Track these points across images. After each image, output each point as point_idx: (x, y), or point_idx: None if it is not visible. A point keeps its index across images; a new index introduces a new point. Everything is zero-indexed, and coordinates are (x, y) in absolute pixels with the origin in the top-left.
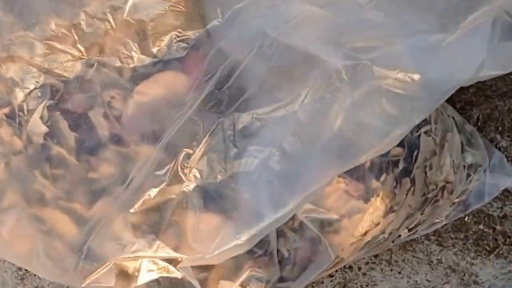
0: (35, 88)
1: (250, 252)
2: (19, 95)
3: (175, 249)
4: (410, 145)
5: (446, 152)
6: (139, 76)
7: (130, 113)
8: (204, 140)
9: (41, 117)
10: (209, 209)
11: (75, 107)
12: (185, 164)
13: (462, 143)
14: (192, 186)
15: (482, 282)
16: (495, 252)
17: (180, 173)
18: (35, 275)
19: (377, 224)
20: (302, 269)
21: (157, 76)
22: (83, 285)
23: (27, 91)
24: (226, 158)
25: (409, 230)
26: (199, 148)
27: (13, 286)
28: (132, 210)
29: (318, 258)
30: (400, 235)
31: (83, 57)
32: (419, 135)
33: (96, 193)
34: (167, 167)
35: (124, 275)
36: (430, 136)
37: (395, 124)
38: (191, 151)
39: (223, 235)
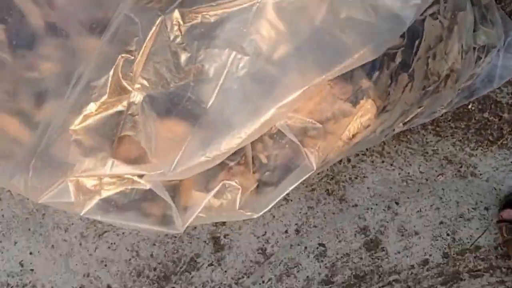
0: None
1: (223, 162)
2: None
3: (134, 166)
4: (411, 33)
5: (455, 36)
6: None
7: None
8: (144, 44)
9: None
10: (166, 120)
11: None
12: (128, 73)
13: (475, 19)
14: (140, 96)
15: (480, 174)
16: (498, 143)
17: (124, 83)
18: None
19: (367, 126)
20: (283, 174)
21: None
22: (39, 201)
23: None
24: (177, 64)
25: (404, 124)
26: (140, 53)
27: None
28: (73, 127)
29: (299, 166)
30: (394, 129)
31: None
32: (424, 19)
33: (41, 94)
34: (104, 77)
35: (84, 190)
36: (437, 19)
37: (391, 16)
38: (131, 57)
39: (187, 149)
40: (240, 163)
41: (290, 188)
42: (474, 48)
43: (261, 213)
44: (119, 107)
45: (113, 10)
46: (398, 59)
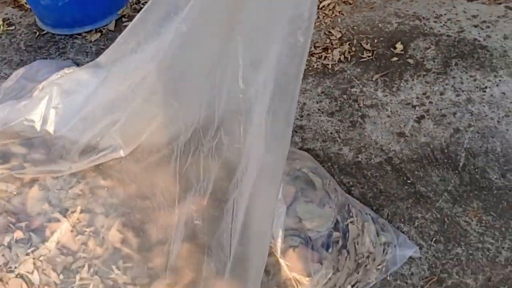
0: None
1: None
2: (100, 219)
3: None
4: (343, 230)
5: (366, 234)
6: None
7: None
8: None
9: (118, 230)
10: None
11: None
12: None
13: (377, 230)
14: None
15: None
16: None
17: None
18: None
19: (329, 279)
20: None
21: None
22: None
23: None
24: None
25: (352, 286)
26: None
27: None
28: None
29: None
30: None
31: None
32: (347, 224)
33: (152, 276)
34: None
35: None
36: (354, 224)
37: None
38: None
39: None
40: None
41: None
42: (381, 244)
43: None
44: None
45: None
46: (340, 243)
